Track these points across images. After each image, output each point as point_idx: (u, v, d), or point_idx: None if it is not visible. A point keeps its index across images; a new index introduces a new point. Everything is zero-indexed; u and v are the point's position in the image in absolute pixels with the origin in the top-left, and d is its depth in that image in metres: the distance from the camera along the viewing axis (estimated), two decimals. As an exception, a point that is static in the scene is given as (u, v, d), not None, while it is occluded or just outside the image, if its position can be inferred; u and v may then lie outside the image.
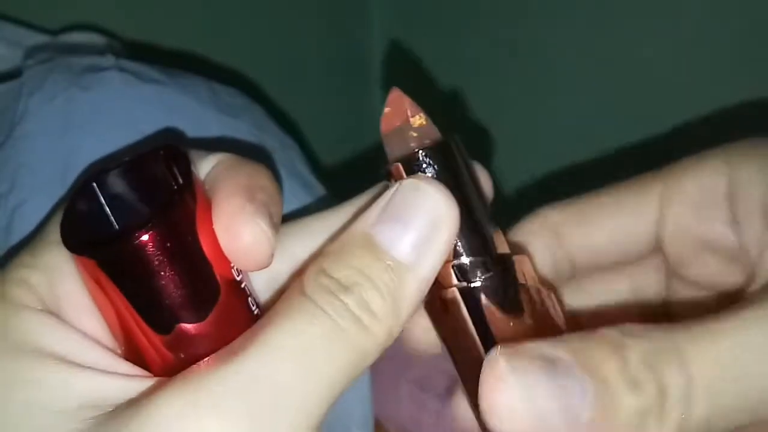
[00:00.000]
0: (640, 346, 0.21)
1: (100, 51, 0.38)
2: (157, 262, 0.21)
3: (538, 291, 0.24)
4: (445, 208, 0.22)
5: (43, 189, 0.31)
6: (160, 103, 0.36)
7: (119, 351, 0.23)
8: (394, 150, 0.24)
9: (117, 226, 0.23)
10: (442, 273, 0.23)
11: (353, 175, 0.67)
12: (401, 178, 0.23)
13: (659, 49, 0.51)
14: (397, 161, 0.24)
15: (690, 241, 0.27)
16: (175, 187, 0.22)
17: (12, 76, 0.37)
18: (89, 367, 0.21)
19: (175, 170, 0.23)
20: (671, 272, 0.29)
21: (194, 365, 0.20)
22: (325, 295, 0.20)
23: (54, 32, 0.46)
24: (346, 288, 0.21)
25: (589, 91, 0.55)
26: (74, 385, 0.21)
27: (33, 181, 0.32)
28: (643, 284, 0.30)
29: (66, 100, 0.34)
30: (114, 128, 0.33)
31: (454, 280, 0.24)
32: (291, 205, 0.34)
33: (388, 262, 0.21)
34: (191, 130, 0.35)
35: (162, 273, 0.21)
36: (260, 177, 0.24)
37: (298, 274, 0.25)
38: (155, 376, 0.22)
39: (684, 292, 0.29)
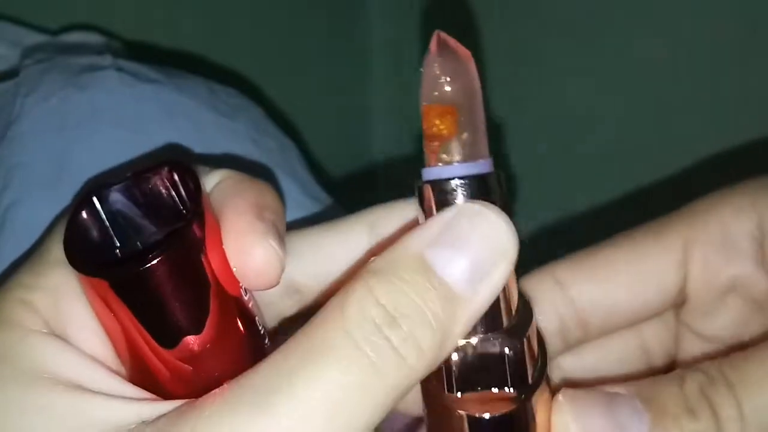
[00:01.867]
0: (695, 377, 0.22)
1: (98, 51, 0.38)
2: (168, 284, 0.20)
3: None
4: (508, 238, 0.20)
5: (37, 188, 0.31)
6: (158, 103, 0.35)
7: (122, 369, 0.23)
8: (431, 160, 0.22)
9: (119, 243, 0.23)
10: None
11: (352, 175, 0.67)
12: (430, 201, 0.21)
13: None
14: (431, 183, 0.21)
15: (717, 284, 0.26)
16: (187, 207, 0.22)
17: (10, 75, 0.37)
18: (101, 393, 0.21)
19: (182, 188, 0.22)
20: (685, 325, 0.28)
21: (212, 399, 0.19)
22: (369, 331, 0.19)
23: (53, 32, 0.46)
24: (393, 320, 0.19)
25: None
26: (89, 411, 0.20)
27: (27, 180, 0.32)
28: (652, 340, 0.28)
29: (62, 99, 0.34)
30: (110, 128, 0.33)
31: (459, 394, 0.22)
32: (290, 205, 0.33)
33: (443, 291, 0.19)
34: (189, 131, 0.35)
35: (172, 293, 0.21)
36: (266, 195, 0.24)
37: (338, 286, 0.22)
38: (163, 394, 0.22)
39: (694, 348, 0.28)
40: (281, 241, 0.22)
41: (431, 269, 0.20)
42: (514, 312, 0.22)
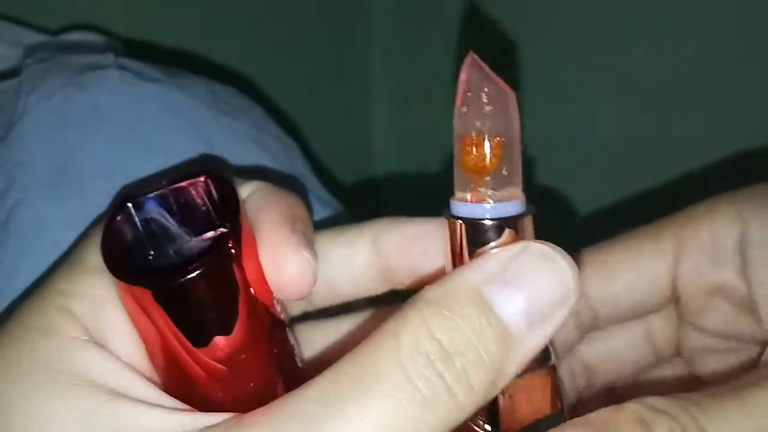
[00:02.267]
0: (665, 425, 0.20)
1: (99, 50, 0.38)
2: (207, 293, 0.21)
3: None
4: (572, 284, 0.20)
5: (40, 187, 0.31)
6: (159, 103, 0.35)
7: (155, 376, 0.23)
8: (473, 195, 0.22)
9: (152, 251, 0.23)
10: None
11: (353, 175, 0.67)
12: (459, 237, 0.21)
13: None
14: (470, 221, 0.21)
15: (704, 286, 0.28)
16: (221, 218, 0.23)
17: (11, 75, 0.37)
18: (141, 401, 0.21)
19: (218, 199, 0.23)
20: (684, 320, 0.29)
21: (266, 421, 0.19)
22: (423, 365, 0.18)
23: (54, 32, 0.46)
24: (447, 355, 0.19)
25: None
26: (132, 419, 0.20)
27: (30, 179, 0.32)
28: (656, 330, 0.30)
29: (64, 98, 0.34)
30: (112, 127, 0.33)
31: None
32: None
33: (499, 330, 0.19)
34: (190, 130, 0.35)
35: (210, 301, 0.21)
36: (297, 207, 0.24)
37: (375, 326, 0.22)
38: (197, 402, 0.22)
39: (695, 340, 0.29)
40: (314, 251, 0.23)
41: (489, 305, 0.19)
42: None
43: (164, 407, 0.21)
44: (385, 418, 0.18)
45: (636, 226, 0.30)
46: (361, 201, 0.67)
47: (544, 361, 0.22)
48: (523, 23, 0.58)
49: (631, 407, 0.21)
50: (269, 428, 0.18)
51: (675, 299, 0.29)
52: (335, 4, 0.67)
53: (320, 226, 0.27)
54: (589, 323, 0.29)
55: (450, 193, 0.22)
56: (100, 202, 0.31)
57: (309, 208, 0.25)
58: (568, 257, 0.20)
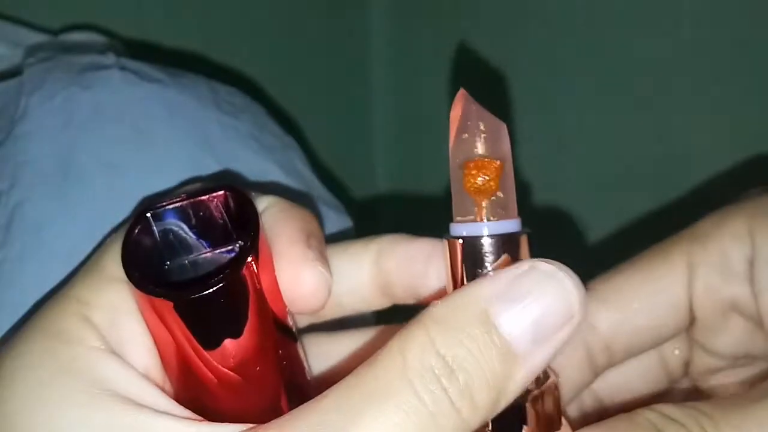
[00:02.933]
0: None
1: (101, 50, 0.38)
2: (225, 305, 0.22)
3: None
4: (577, 304, 0.20)
5: (42, 187, 0.31)
6: (161, 102, 0.35)
7: (168, 384, 0.23)
8: (463, 213, 0.22)
9: (168, 261, 0.24)
10: None
11: (353, 174, 0.68)
12: (459, 257, 0.22)
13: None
14: (464, 238, 0.22)
15: (719, 303, 0.27)
16: (242, 233, 0.23)
17: (12, 74, 0.37)
18: (158, 410, 0.21)
19: (236, 214, 0.24)
20: (696, 341, 0.29)
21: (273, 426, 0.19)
22: (428, 380, 0.19)
23: (54, 32, 0.46)
24: (451, 372, 0.19)
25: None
26: (149, 428, 0.20)
27: (33, 179, 0.32)
28: (670, 356, 0.30)
29: (66, 98, 0.34)
30: (115, 126, 0.33)
31: None
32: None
33: (503, 349, 0.19)
34: (192, 129, 0.35)
35: (227, 314, 0.22)
36: (311, 222, 0.25)
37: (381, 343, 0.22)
38: (210, 412, 0.22)
39: (706, 362, 0.29)
40: (328, 267, 0.24)
41: (494, 326, 0.20)
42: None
43: (181, 417, 0.21)
44: (397, 430, 0.19)
45: (639, 246, 0.29)
46: (360, 200, 0.68)
47: (545, 378, 0.23)
48: (522, 24, 0.58)
49: (644, 414, 0.21)
50: None
51: (690, 321, 0.28)
52: (335, 4, 0.67)
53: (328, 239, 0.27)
54: (604, 362, 0.28)
55: (447, 209, 0.23)
56: (102, 201, 0.31)
57: (321, 223, 0.26)
58: (575, 276, 0.20)
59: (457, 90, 0.23)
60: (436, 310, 0.20)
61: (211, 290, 0.21)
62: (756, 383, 0.25)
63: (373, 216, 0.70)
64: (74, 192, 0.31)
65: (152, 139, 0.34)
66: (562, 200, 0.56)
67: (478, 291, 0.20)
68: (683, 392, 0.30)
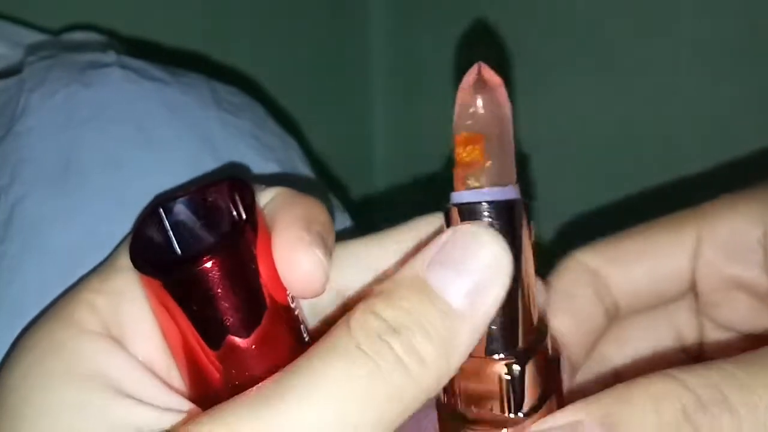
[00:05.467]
0: (678, 397, 0.20)
1: (101, 48, 0.38)
2: (218, 286, 0.22)
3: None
4: (501, 258, 0.21)
5: (43, 184, 0.32)
6: (161, 101, 0.36)
7: (174, 371, 0.24)
8: (459, 185, 0.23)
9: (180, 253, 0.24)
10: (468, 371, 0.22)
11: (352, 174, 0.68)
12: (456, 223, 0.22)
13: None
14: (458, 206, 0.23)
15: (722, 281, 0.28)
16: (240, 219, 0.24)
17: (13, 73, 0.37)
18: (136, 397, 0.22)
19: (240, 202, 0.24)
20: (703, 313, 0.29)
21: (234, 398, 0.20)
22: (371, 336, 0.20)
23: (54, 32, 0.46)
24: (393, 330, 0.20)
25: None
26: (118, 414, 0.21)
27: (33, 175, 0.32)
28: (683, 327, 0.30)
29: (67, 96, 0.34)
30: (115, 124, 0.34)
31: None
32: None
33: (442, 307, 0.20)
34: (192, 127, 0.35)
35: (222, 296, 0.22)
36: (315, 209, 0.25)
37: (345, 309, 0.24)
38: (215, 397, 0.22)
39: (715, 335, 0.29)
40: (327, 251, 0.24)
41: (430, 289, 0.21)
42: (523, 333, 0.23)
43: (153, 405, 0.22)
44: (339, 384, 0.19)
45: (635, 224, 0.30)
46: (360, 199, 0.68)
47: (537, 343, 0.23)
48: (523, 25, 0.58)
49: (644, 380, 0.21)
50: (234, 407, 0.19)
51: (693, 291, 0.29)
52: (336, 4, 0.67)
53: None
54: (612, 311, 0.29)
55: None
56: (102, 198, 0.32)
57: (330, 210, 0.26)
58: (496, 234, 0.21)
59: (457, 90, 0.24)
60: (379, 286, 0.21)
61: (197, 268, 0.21)
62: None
63: (372, 216, 0.70)
64: (74, 189, 0.31)
65: (153, 137, 0.34)
66: (563, 197, 0.56)
67: (414, 261, 0.21)
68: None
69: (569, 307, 0.28)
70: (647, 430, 0.20)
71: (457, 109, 0.23)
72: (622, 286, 0.29)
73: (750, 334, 0.28)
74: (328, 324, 0.25)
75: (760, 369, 0.21)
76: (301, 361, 0.20)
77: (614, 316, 0.29)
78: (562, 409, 0.22)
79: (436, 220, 0.26)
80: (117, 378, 0.22)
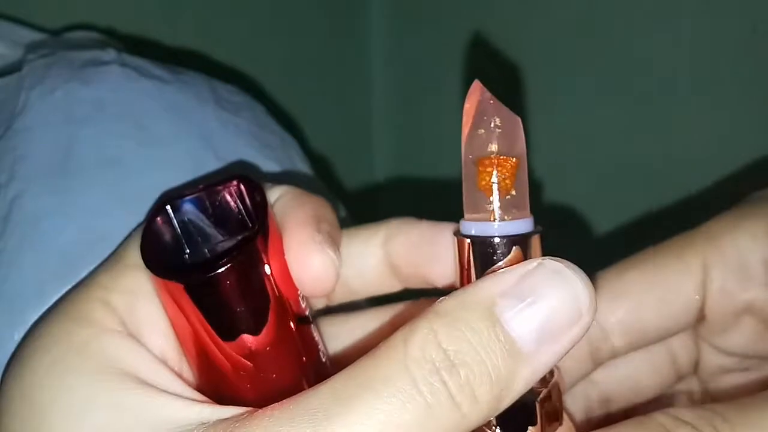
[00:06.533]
0: None
1: (101, 46, 0.38)
2: (235, 288, 0.22)
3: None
4: (587, 303, 0.20)
5: (41, 180, 0.31)
6: (161, 99, 0.36)
7: (186, 369, 0.24)
8: (474, 210, 0.22)
9: (188, 249, 0.25)
10: None
11: (352, 173, 0.68)
12: (467, 255, 0.22)
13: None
14: (471, 238, 0.22)
15: (733, 306, 0.27)
16: (252, 219, 0.24)
17: (13, 71, 0.37)
18: (167, 392, 0.21)
19: (249, 201, 0.24)
20: (703, 338, 0.29)
21: (276, 415, 0.19)
22: (428, 372, 0.19)
23: (54, 32, 0.46)
24: (453, 365, 0.19)
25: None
26: (155, 408, 0.21)
27: (32, 172, 0.32)
28: (679, 351, 0.30)
29: (66, 93, 0.34)
30: (114, 122, 0.34)
31: None
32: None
33: (507, 346, 0.19)
34: (191, 125, 0.35)
35: (237, 297, 0.22)
36: (323, 208, 0.25)
37: (401, 321, 0.22)
38: (226, 395, 0.23)
39: (714, 360, 0.29)
40: (337, 250, 0.24)
41: (498, 321, 0.19)
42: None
43: (188, 399, 0.21)
44: (389, 419, 0.18)
45: (648, 244, 0.29)
46: (359, 199, 0.68)
47: (550, 377, 0.23)
48: (523, 25, 0.58)
49: (656, 418, 0.21)
50: (279, 422, 0.19)
51: (699, 319, 0.28)
52: (336, 4, 0.67)
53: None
54: (606, 353, 0.28)
55: (453, 201, 0.23)
56: (101, 195, 0.32)
57: (336, 211, 0.27)
58: (584, 275, 0.20)
59: (458, 89, 0.23)
60: (442, 305, 0.20)
61: (217, 272, 0.22)
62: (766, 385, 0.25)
63: (372, 215, 0.70)
64: (73, 186, 0.31)
65: (152, 135, 0.34)
66: (568, 198, 0.56)
67: (485, 287, 0.20)
68: (693, 397, 0.30)
69: None
70: None
71: (475, 126, 0.22)
72: (623, 324, 0.28)
73: (751, 356, 0.28)
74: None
75: (751, 412, 0.21)
76: (351, 387, 0.19)
77: (609, 356, 0.28)
78: None
79: (408, 225, 0.26)
80: (146, 375, 0.22)
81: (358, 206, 0.65)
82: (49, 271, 0.29)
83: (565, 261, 0.20)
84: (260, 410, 0.20)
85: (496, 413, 0.20)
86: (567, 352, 0.20)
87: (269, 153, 0.38)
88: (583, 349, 0.28)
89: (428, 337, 0.19)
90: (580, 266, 0.20)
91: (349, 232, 0.27)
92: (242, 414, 0.20)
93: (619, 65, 0.53)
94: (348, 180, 0.66)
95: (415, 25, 0.67)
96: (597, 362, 0.28)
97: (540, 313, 0.19)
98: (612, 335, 0.28)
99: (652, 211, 0.50)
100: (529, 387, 0.20)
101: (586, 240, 0.55)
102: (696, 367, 0.29)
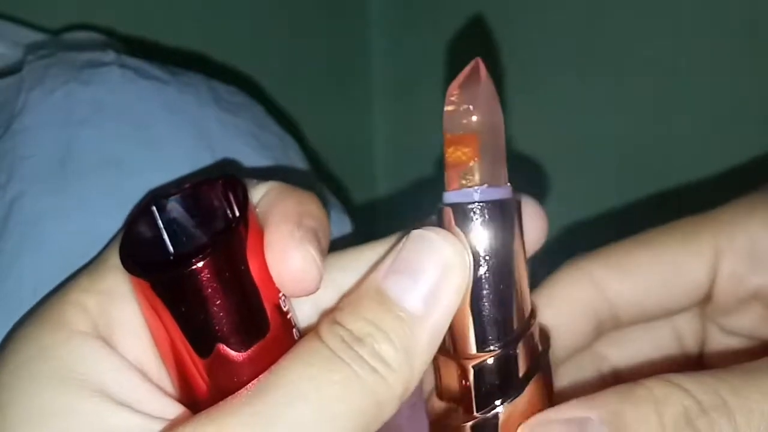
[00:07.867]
0: (678, 401, 0.21)
1: (101, 47, 0.38)
2: (208, 289, 0.21)
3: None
4: (452, 257, 0.22)
5: (41, 181, 0.32)
6: (161, 100, 0.36)
7: (164, 372, 0.23)
8: (453, 185, 0.23)
9: (173, 251, 0.24)
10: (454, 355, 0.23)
11: (352, 174, 0.68)
12: (450, 223, 0.22)
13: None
14: (451, 206, 0.23)
15: (742, 292, 0.27)
16: (232, 217, 0.23)
17: (12, 72, 0.37)
18: (123, 402, 0.21)
19: (232, 199, 0.23)
20: (710, 319, 0.29)
21: (219, 403, 0.20)
22: (342, 348, 0.20)
23: (54, 32, 0.46)
24: (358, 339, 0.21)
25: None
26: (104, 419, 0.21)
27: (31, 173, 0.32)
28: (684, 330, 0.30)
29: (66, 94, 0.34)
30: (113, 123, 0.34)
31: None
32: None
33: (400, 314, 0.21)
34: (191, 126, 0.35)
35: (212, 299, 0.21)
36: (309, 203, 0.24)
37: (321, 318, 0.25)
38: (199, 399, 0.22)
39: (718, 338, 0.29)
40: (320, 247, 0.23)
41: (388, 298, 0.21)
42: (513, 326, 0.23)
43: (137, 410, 0.21)
44: (319, 388, 0.20)
45: (638, 230, 0.29)
46: (359, 199, 0.68)
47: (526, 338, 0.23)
48: (523, 25, 0.58)
49: (646, 384, 0.21)
50: (213, 413, 0.20)
51: (706, 299, 0.28)
52: (336, 4, 0.67)
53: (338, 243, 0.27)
54: (608, 324, 0.28)
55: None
56: (100, 196, 0.32)
57: (325, 205, 0.26)
58: (445, 233, 0.22)
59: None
60: (342, 302, 0.22)
61: (186, 269, 0.21)
62: None
63: (372, 215, 0.70)
64: (72, 187, 0.31)
65: (151, 136, 0.34)
66: (568, 198, 0.56)
67: (371, 276, 0.22)
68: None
69: (551, 321, 0.27)
70: (650, 430, 0.20)
71: (447, 106, 0.23)
72: (628, 297, 0.28)
73: (757, 338, 0.28)
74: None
75: (756, 378, 0.21)
76: (282, 364, 0.20)
77: (612, 327, 0.29)
78: (566, 404, 0.22)
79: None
80: (107, 382, 0.21)
81: (357, 206, 0.66)
82: (48, 271, 0.28)
83: (428, 227, 0.22)
84: (197, 416, 0.20)
85: (416, 377, 0.21)
86: (457, 305, 0.22)
87: (269, 153, 0.38)
88: (586, 318, 0.28)
89: (334, 327, 0.21)
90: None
91: (368, 246, 0.26)
92: (180, 418, 0.21)
93: (619, 65, 0.53)
94: (348, 180, 0.66)
95: (415, 25, 0.67)
96: (599, 331, 0.29)
97: (418, 278, 0.21)
98: (617, 307, 0.28)
99: (652, 211, 0.50)
100: (435, 345, 0.22)
101: (579, 240, 0.55)
102: (703, 347, 0.30)
